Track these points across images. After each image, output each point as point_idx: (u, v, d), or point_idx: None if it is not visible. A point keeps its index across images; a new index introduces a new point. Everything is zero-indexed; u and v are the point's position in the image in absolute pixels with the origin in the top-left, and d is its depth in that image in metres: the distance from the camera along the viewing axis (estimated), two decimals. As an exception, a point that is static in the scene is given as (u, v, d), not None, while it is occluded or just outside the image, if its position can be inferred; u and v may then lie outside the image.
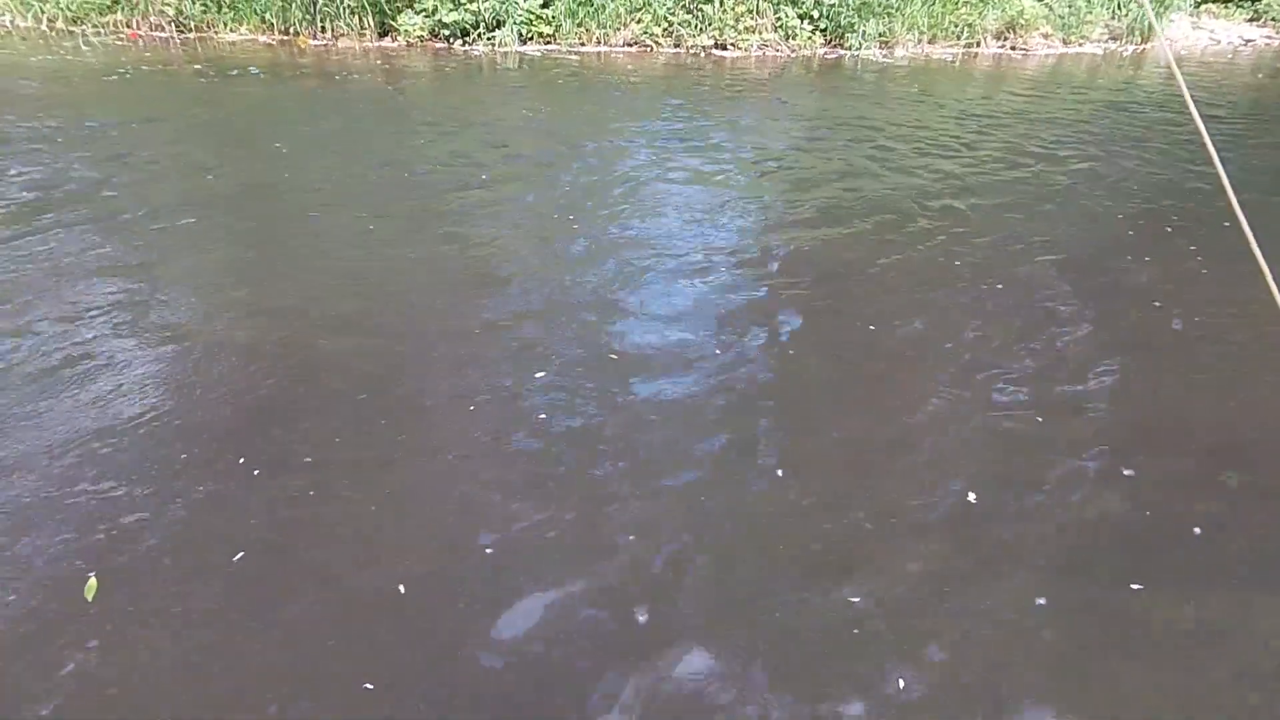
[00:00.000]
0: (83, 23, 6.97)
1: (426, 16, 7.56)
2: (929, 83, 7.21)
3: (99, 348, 2.49)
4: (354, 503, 1.90)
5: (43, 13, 6.90)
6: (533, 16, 7.87)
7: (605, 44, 8.11)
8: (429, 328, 2.74)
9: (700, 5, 8.22)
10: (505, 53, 7.67)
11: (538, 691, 1.46)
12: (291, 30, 7.38)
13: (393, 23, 7.62)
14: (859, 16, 8.41)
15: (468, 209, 3.88)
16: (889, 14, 8.50)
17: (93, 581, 1.61)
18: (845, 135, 5.36)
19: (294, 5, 7.25)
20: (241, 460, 2.01)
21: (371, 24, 7.53)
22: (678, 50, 8.22)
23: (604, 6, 7.95)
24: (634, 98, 6.44)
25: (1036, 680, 1.51)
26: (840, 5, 8.41)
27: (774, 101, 6.41)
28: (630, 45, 8.18)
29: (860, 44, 8.39)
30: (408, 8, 7.62)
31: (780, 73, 7.64)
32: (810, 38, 8.45)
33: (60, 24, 6.94)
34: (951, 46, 8.73)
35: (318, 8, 7.31)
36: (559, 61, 7.51)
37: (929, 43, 8.69)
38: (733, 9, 8.30)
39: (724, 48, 8.30)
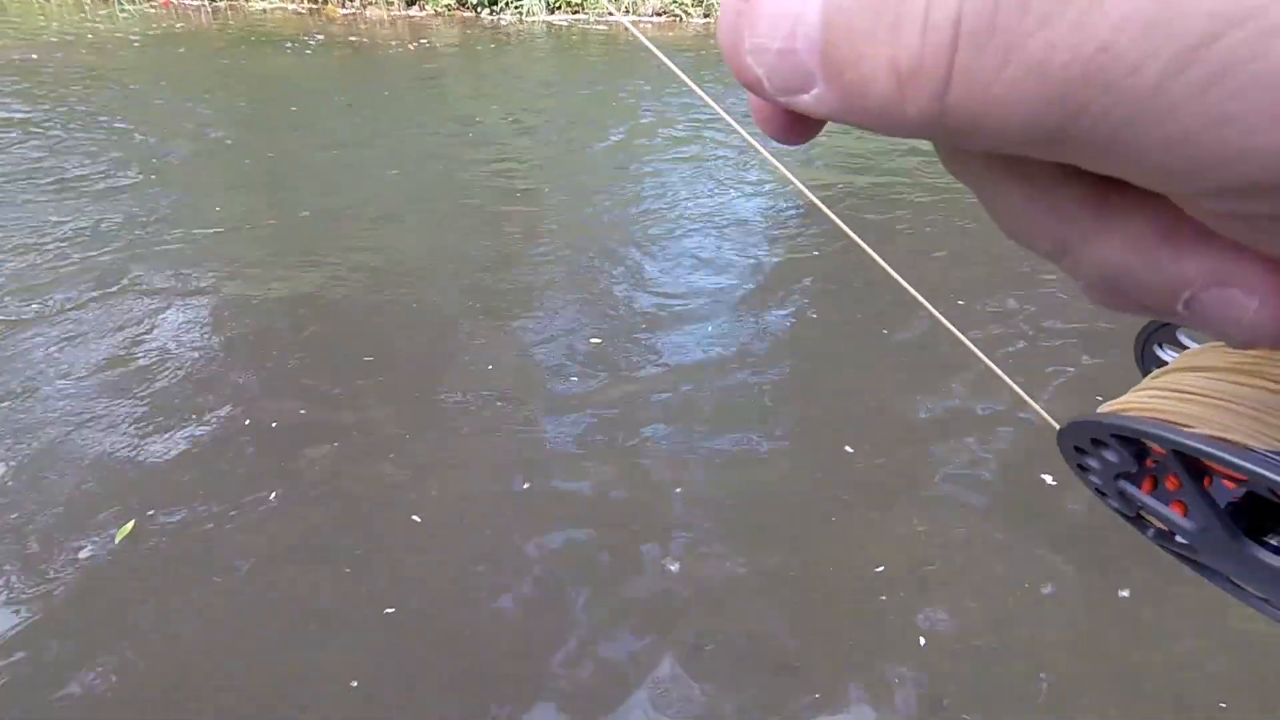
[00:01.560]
0: (119, -10, 7.09)
1: (454, -15, 7.50)
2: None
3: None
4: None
5: (81, -19, 7.04)
6: (561, -15, 7.74)
7: (633, 14, 7.95)
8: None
9: (733, -27, 7.98)
10: (533, 21, 7.57)
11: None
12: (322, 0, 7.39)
13: (420, -8, 7.58)
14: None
15: (482, 172, 3.83)
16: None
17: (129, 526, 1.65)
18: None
19: (324, -26, 7.25)
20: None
21: (400, -7, 7.50)
22: (708, 20, 8.01)
23: (627, -25, 7.77)
24: (658, 68, 6.30)
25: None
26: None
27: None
28: (659, 15, 8.00)
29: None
30: (436, -24, 7.56)
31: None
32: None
33: (98, -8, 7.07)
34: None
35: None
36: (585, 31, 7.39)
37: None
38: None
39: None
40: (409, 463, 1.85)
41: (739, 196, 3.58)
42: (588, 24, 7.64)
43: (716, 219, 3.30)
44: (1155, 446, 0.19)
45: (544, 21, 7.62)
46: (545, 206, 3.50)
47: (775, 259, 2.99)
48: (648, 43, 0.46)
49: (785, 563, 1.61)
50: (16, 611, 1.45)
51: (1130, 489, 0.21)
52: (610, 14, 7.93)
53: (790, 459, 1.93)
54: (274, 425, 1.95)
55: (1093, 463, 0.22)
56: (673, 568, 1.59)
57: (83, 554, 1.57)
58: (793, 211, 3.44)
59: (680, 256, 2.98)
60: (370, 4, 7.52)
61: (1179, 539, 0.21)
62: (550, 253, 2.98)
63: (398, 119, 4.64)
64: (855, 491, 1.80)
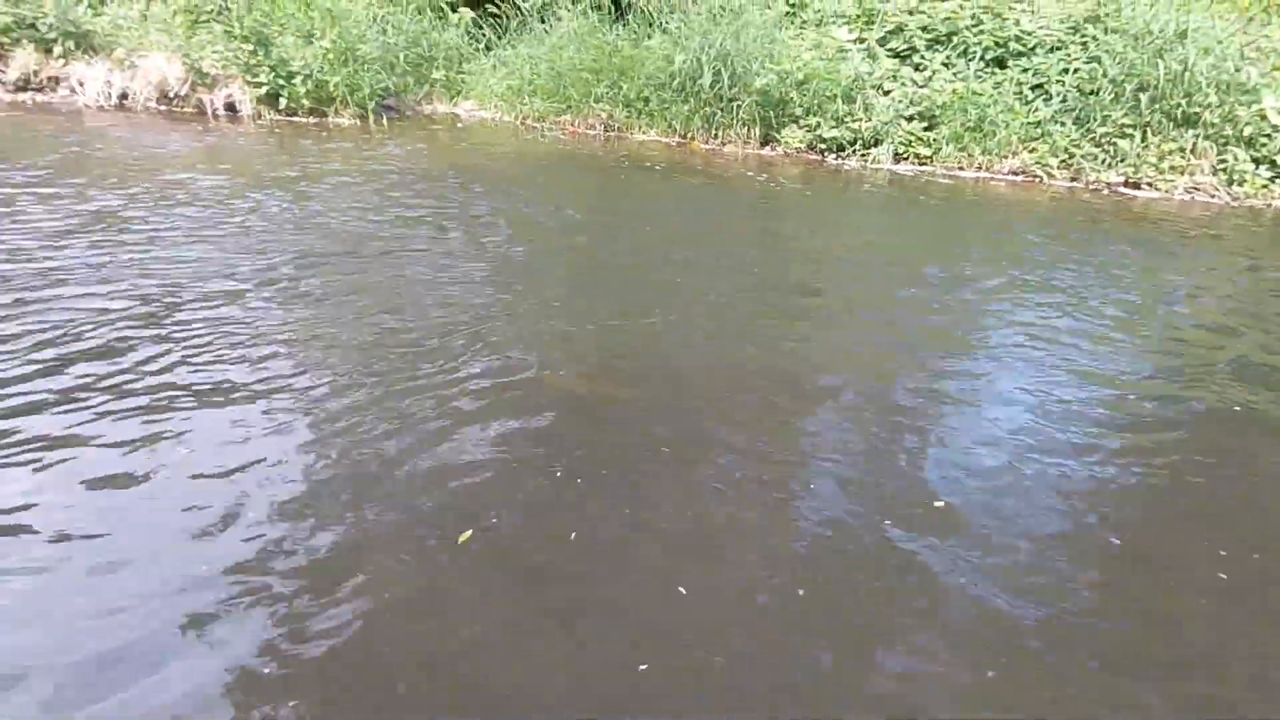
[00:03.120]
0: (543, 121, 8.96)
1: (808, 131, 8.04)
2: None
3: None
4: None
5: (520, 113, 9.08)
6: (913, 138, 7.82)
7: (987, 170, 7.66)
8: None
9: (1114, 139, 7.29)
10: (876, 169, 7.73)
11: None
12: (688, 135, 8.49)
13: (775, 135, 8.27)
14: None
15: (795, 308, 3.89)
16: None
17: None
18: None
19: (696, 116, 8.35)
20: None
21: (756, 135, 8.27)
22: (1073, 184, 7.38)
23: (994, 133, 7.54)
24: (1007, 231, 5.91)
25: None
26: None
27: (1207, 255, 5.29)
28: (1016, 174, 7.59)
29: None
30: (792, 123, 8.21)
31: (1215, 221, 6.31)
32: (1265, 186, 6.87)
33: (529, 121, 9.03)
34: None
35: (714, 121, 8.31)
36: (930, 183, 7.30)
37: None
38: (1158, 146, 7.19)
39: (1136, 186, 7.20)
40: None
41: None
42: (932, 177, 7.55)
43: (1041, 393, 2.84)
44: None
45: (888, 170, 7.73)
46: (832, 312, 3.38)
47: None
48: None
49: None
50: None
51: None
52: (959, 169, 7.76)
53: None
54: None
55: None
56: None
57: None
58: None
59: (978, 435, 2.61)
60: (729, 142, 8.40)
61: None
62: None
63: (728, 239, 4.99)
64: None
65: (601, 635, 1.80)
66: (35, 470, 2.20)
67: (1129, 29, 7.61)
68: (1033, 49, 7.89)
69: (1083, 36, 7.89)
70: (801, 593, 1.98)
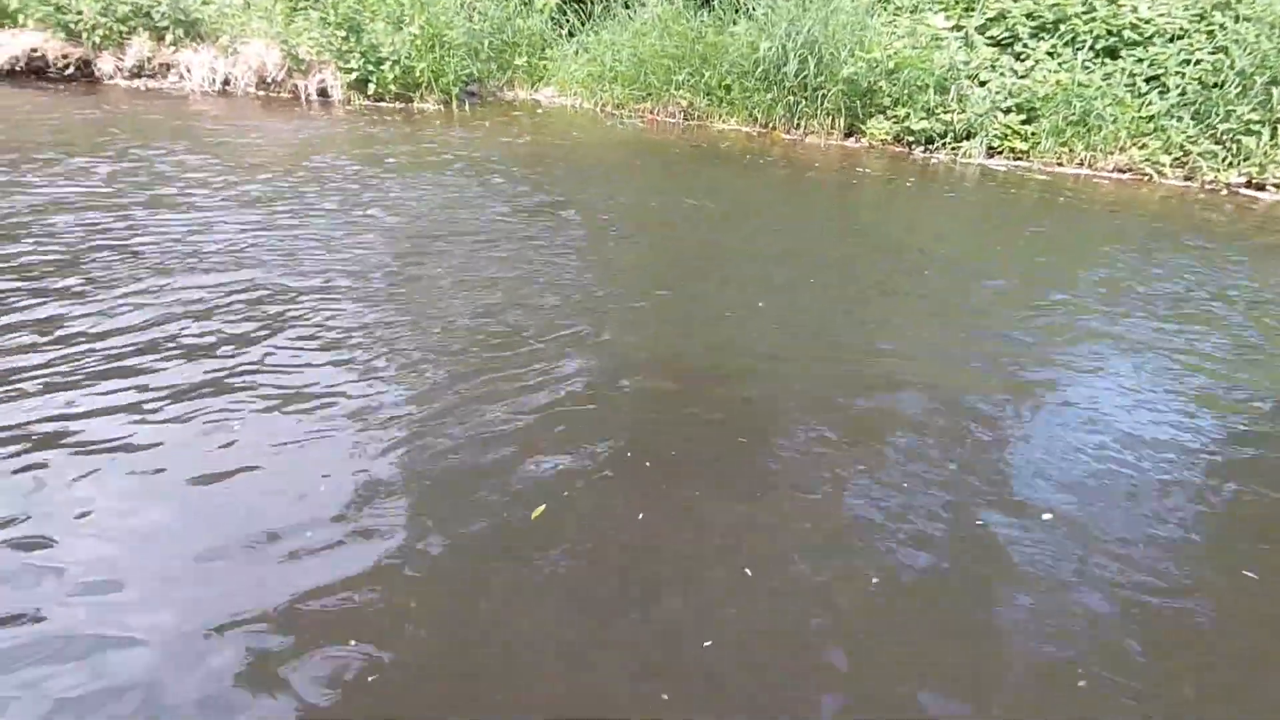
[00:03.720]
0: (622, 108, 8.92)
1: (896, 123, 7.74)
2: None
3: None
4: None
5: (600, 100, 9.07)
6: (1009, 131, 7.42)
7: (1089, 167, 7.20)
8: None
9: (1238, 136, 6.72)
10: (967, 163, 7.37)
11: None
12: (770, 125, 8.29)
13: (861, 126, 7.98)
14: None
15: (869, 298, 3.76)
16: None
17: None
18: None
19: (778, 106, 8.14)
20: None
21: (840, 125, 8.01)
22: (1187, 183, 6.86)
23: (1099, 127, 7.07)
24: (1112, 231, 5.54)
25: None
26: None
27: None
28: (1122, 171, 7.11)
29: None
30: (879, 114, 7.90)
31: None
32: None
33: (609, 108, 9.00)
34: None
35: (797, 110, 8.09)
36: (1025, 179, 6.91)
37: None
38: (1290, 143, 6.60)
39: (1260, 188, 6.64)
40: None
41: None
42: (1028, 172, 7.15)
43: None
44: None
45: (979, 164, 7.36)
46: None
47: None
48: None
49: None
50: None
51: None
52: (1058, 165, 7.32)
53: None
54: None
55: None
56: None
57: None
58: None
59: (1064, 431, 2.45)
60: (811, 132, 8.17)
61: None
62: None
63: (811, 233, 4.85)
64: None
65: (666, 612, 1.85)
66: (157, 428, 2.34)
67: (1265, 16, 6.97)
68: (1150, 38, 7.33)
69: (1209, 24, 7.28)
70: (875, 580, 2.00)
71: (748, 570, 2.02)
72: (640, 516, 2.18)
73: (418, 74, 8.37)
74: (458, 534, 2.08)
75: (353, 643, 1.74)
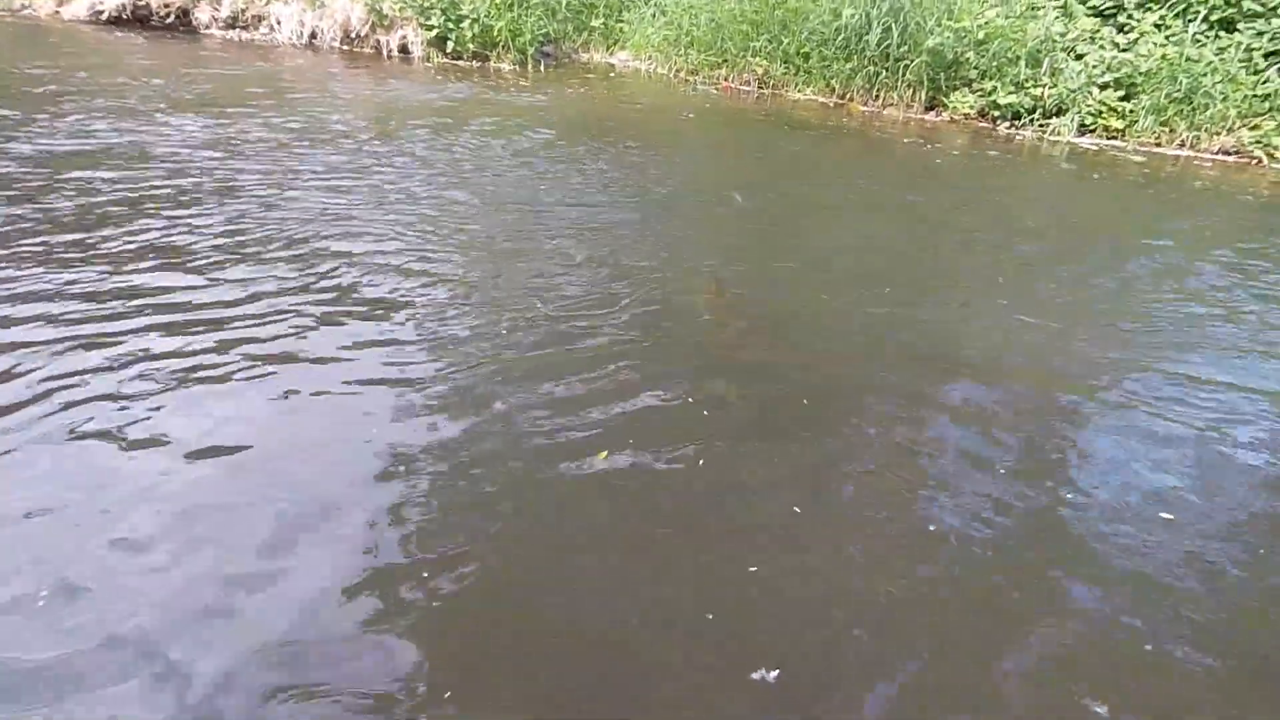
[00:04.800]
0: (697, 74, 8.82)
1: (981, 96, 7.42)
2: None
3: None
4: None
5: (675, 65, 8.98)
6: (1104, 108, 7.02)
7: (1191, 148, 6.77)
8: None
9: (1366, 118, 6.20)
10: (1055, 140, 7.03)
11: None
12: (847, 96, 8.07)
13: (943, 99, 7.69)
14: None
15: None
16: None
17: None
18: None
19: (858, 76, 7.90)
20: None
21: (921, 98, 7.72)
22: (1302, 169, 6.38)
23: (1206, 105, 6.62)
24: (1218, 219, 5.22)
25: None
26: None
27: None
28: (1227, 154, 6.66)
29: None
30: (964, 86, 7.59)
31: None
32: None
33: (684, 74, 8.91)
34: None
35: (876, 81, 7.83)
36: (1120, 159, 6.55)
37: None
38: None
39: (1387, 176, 6.12)
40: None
41: None
42: (1122, 152, 6.77)
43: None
44: None
45: (1068, 143, 7.01)
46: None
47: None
48: None
49: None
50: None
51: None
52: (1156, 145, 6.91)
53: None
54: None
55: None
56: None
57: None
58: None
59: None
60: (890, 104, 7.91)
61: None
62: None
63: (887, 209, 4.73)
64: None
65: (715, 558, 1.87)
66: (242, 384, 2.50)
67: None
68: (1274, 9, 6.80)
69: (1341, -4, 6.70)
70: (951, 542, 1.94)
71: (799, 521, 2.02)
72: (700, 464, 2.20)
73: (495, 33, 8.45)
74: (532, 476, 2.15)
75: (435, 556, 1.84)
